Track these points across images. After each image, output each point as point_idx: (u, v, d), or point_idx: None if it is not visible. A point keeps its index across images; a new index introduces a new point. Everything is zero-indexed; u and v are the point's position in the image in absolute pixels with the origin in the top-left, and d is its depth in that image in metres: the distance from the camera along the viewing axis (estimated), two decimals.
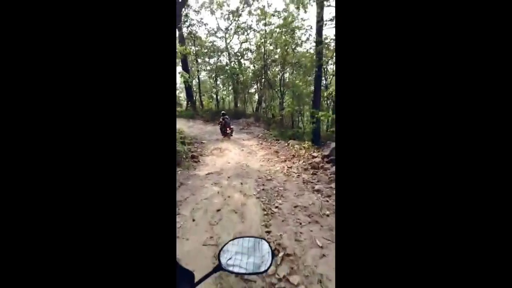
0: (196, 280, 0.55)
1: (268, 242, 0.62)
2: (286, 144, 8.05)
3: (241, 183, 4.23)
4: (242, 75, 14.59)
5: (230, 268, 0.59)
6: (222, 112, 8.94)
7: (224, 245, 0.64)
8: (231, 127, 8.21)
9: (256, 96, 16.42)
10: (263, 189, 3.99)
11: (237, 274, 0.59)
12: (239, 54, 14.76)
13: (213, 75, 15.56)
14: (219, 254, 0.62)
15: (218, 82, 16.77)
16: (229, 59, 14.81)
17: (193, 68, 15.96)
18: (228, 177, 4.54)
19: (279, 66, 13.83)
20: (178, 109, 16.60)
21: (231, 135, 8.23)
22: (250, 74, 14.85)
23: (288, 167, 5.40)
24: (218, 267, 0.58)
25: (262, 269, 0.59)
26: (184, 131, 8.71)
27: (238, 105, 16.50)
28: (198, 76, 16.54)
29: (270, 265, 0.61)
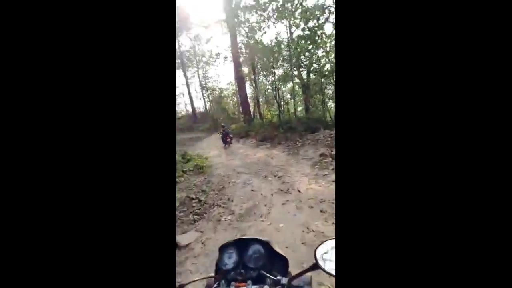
0: (293, 273, 0.63)
1: None
2: None
3: None
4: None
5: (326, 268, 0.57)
6: (222, 124, 10.06)
7: (318, 246, 0.61)
8: (231, 136, 8.98)
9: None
10: None
11: (331, 275, 0.56)
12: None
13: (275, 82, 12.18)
14: (315, 253, 0.60)
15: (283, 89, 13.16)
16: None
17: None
18: None
19: None
20: (232, 126, 13.24)
21: (231, 143, 8.93)
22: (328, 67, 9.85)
23: None
24: (315, 266, 0.58)
25: None
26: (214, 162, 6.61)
27: (310, 109, 11.36)
28: (255, 82, 13.42)
29: None
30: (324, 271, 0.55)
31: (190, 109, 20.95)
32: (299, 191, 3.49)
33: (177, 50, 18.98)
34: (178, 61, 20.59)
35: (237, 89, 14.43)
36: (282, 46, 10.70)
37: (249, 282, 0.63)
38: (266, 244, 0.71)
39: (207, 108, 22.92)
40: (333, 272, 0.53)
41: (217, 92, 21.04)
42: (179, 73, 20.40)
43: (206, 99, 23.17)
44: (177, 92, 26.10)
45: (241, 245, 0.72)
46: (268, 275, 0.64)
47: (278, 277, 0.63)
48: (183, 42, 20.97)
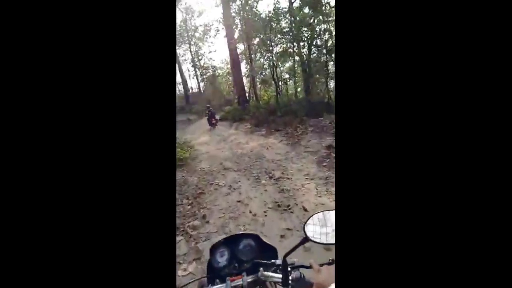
0: (286, 251, 0.65)
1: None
2: None
3: None
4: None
5: (317, 240, 0.62)
6: (207, 105, 10.36)
7: (307, 220, 0.65)
8: (216, 117, 9.27)
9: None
10: None
11: (321, 244, 0.61)
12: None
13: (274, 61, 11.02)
14: (303, 228, 0.63)
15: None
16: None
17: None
18: None
19: None
20: (226, 108, 12.08)
21: (216, 125, 9.10)
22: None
23: None
24: (305, 239, 0.61)
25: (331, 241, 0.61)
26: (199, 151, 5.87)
27: (310, 90, 10.20)
28: (250, 59, 12.15)
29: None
30: (315, 242, 0.59)
31: (182, 90, 19.38)
32: (305, 209, 2.44)
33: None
34: None
35: (230, 67, 13.11)
36: (281, 17, 9.26)
37: (244, 273, 0.64)
38: (255, 238, 0.74)
39: (201, 88, 21.55)
40: (322, 241, 0.59)
41: (210, 71, 19.53)
42: None
43: (199, 79, 21.79)
44: None
45: (231, 242, 0.73)
46: (262, 261, 0.67)
47: (272, 261, 0.67)
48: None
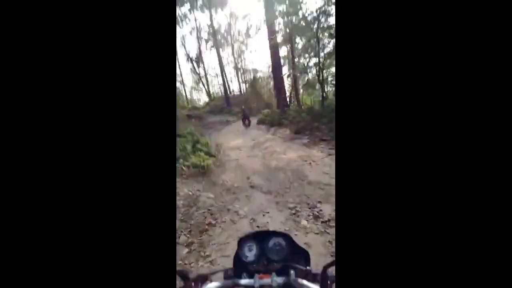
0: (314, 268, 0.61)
1: None
2: None
3: None
4: None
5: None
6: (242, 107, 10.75)
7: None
8: (249, 119, 9.49)
9: None
10: None
11: None
12: None
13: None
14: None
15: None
16: None
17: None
18: None
19: None
20: (264, 111, 11.29)
21: (249, 126, 9.32)
22: None
23: None
24: None
25: None
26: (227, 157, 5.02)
27: None
28: (293, 59, 11.33)
29: None
30: None
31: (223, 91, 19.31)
32: None
33: (211, 28, 17.64)
34: (211, 39, 19.16)
35: (271, 69, 12.30)
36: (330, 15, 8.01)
37: (273, 274, 0.60)
38: (286, 237, 0.68)
39: (242, 90, 21.33)
40: None
41: (251, 74, 19.10)
42: (214, 52, 19.12)
43: (241, 81, 21.62)
44: (213, 74, 25.31)
45: (260, 238, 0.68)
46: (296, 265, 0.61)
47: (307, 268, 0.61)
48: (219, 21, 19.38)
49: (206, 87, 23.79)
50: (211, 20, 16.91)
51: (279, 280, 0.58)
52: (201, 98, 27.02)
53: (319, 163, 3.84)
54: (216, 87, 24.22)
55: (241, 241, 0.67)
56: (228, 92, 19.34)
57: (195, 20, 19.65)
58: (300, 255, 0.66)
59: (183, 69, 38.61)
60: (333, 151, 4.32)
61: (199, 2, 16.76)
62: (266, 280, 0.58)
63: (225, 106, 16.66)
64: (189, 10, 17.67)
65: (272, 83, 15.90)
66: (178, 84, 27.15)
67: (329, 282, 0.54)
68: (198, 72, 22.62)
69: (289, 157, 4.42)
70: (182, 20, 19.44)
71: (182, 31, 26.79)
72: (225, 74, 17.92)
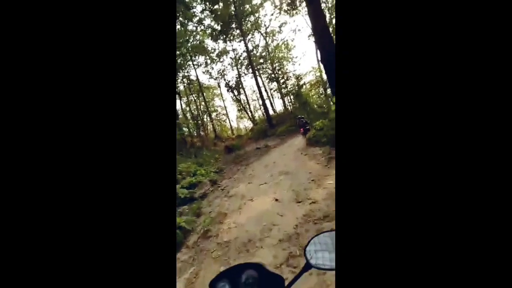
0: (286, 283, 0.59)
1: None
2: None
3: None
4: None
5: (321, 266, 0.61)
6: (298, 116, 9.88)
7: (306, 245, 0.65)
8: (307, 127, 8.60)
9: None
10: None
11: (326, 270, 0.61)
12: None
13: None
14: (304, 253, 0.64)
15: None
16: None
17: None
18: None
19: None
20: (317, 122, 8.63)
21: (305, 135, 8.35)
22: None
23: None
24: (307, 266, 0.61)
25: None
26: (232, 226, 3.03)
27: None
28: None
29: None
30: (317, 268, 0.59)
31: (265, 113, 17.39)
32: None
33: (245, 52, 16.61)
34: (245, 61, 18.20)
35: (320, 73, 9.73)
36: None
37: None
38: (258, 267, 0.67)
39: (286, 105, 19.00)
40: (325, 266, 0.58)
41: (293, 83, 16.66)
42: (249, 75, 17.82)
43: (283, 95, 19.43)
44: (254, 97, 24.09)
45: (232, 274, 0.66)
46: None
47: None
48: (256, 41, 18.32)
49: (248, 112, 22.61)
50: (245, 45, 15.81)
51: None
52: (247, 125, 26.04)
53: None
54: (259, 112, 22.80)
55: (213, 282, 0.64)
56: (272, 110, 17.33)
57: (233, 50, 19.16)
58: (273, 281, 0.63)
59: (227, 102, 39.30)
60: None
61: (234, 33, 16.06)
62: None
63: (267, 127, 14.53)
64: (224, 40, 17.06)
65: (321, 89, 12.94)
66: (224, 117, 27.16)
67: None
68: (239, 98, 21.84)
69: None
70: (221, 55, 19.37)
71: (224, 64, 27.24)
72: (261, 93, 16.01)
